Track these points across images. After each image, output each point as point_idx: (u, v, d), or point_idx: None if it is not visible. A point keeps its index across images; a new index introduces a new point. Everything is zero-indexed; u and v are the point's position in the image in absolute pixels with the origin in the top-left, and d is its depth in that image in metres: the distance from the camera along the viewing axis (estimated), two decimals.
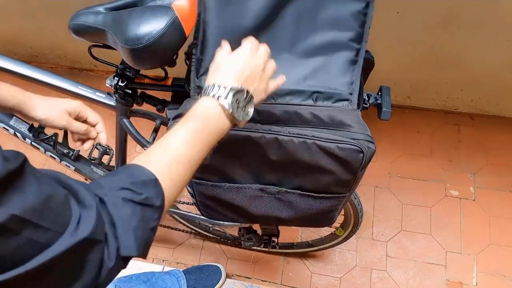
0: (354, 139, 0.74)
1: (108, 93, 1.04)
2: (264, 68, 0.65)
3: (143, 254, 0.49)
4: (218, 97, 0.59)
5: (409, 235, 1.58)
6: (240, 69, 0.62)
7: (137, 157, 0.55)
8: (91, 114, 0.85)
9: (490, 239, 1.55)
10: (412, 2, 1.27)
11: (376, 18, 1.35)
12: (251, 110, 0.63)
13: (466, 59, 1.48)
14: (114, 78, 0.97)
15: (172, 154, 0.55)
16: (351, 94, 0.79)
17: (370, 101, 0.85)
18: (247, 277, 1.55)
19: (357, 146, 0.72)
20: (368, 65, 0.87)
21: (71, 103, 0.84)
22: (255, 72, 0.64)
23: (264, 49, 0.67)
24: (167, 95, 1.01)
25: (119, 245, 0.46)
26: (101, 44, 0.91)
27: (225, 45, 0.68)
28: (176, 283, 1.39)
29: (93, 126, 0.87)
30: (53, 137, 1.17)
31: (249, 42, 0.66)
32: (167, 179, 0.52)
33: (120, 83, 0.97)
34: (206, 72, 0.79)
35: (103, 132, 0.92)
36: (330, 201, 0.84)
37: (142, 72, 0.97)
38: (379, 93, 0.86)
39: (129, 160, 1.24)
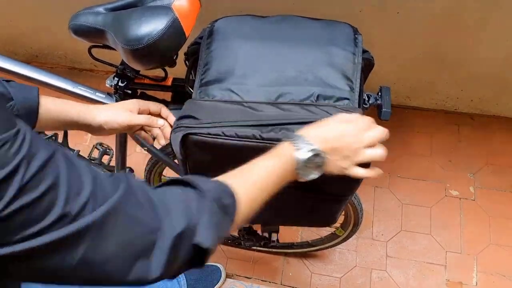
0: None
1: (108, 94, 1.04)
2: (358, 150, 0.64)
3: (211, 249, 0.50)
4: (298, 149, 0.61)
5: (409, 235, 1.58)
6: (334, 136, 0.63)
7: (224, 176, 0.58)
8: (151, 104, 0.84)
9: (490, 239, 1.55)
10: (412, 2, 1.27)
11: (376, 18, 1.36)
12: (314, 175, 0.63)
13: (466, 59, 1.48)
14: (114, 78, 0.97)
15: (253, 179, 0.59)
16: (352, 93, 0.79)
17: (370, 101, 0.85)
18: (247, 277, 1.55)
19: None
20: (368, 65, 0.87)
21: (129, 101, 0.83)
22: (345, 149, 0.63)
23: (375, 133, 0.66)
24: (167, 96, 1.01)
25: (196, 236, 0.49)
26: (101, 45, 0.91)
27: (343, 115, 0.68)
28: (176, 283, 1.39)
29: (157, 115, 0.85)
30: (53, 137, 1.17)
31: (365, 120, 0.66)
32: (245, 198, 0.56)
33: (120, 84, 0.97)
34: (212, 81, 0.81)
35: (170, 114, 0.88)
36: (332, 202, 0.84)
37: (142, 72, 0.97)
38: (379, 93, 0.86)
39: (129, 160, 1.25)
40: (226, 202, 0.53)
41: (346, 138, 0.64)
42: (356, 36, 0.85)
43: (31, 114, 0.72)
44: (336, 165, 0.64)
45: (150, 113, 0.85)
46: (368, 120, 0.67)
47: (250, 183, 0.58)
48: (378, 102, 0.85)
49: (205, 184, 0.53)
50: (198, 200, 0.51)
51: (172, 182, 0.55)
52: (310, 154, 0.61)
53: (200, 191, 0.52)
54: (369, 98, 0.85)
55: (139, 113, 0.84)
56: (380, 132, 0.66)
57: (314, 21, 0.88)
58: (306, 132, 0.64)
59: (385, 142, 0.68)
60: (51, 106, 0.75)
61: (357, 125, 0.65)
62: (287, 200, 0.84)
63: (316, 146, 0.62)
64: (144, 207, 0.47)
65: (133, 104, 0.83)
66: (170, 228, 0.47)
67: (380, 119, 0.84)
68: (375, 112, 0.86)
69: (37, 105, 0.73)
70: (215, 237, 0.50)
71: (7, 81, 0.72)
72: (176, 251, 0.47)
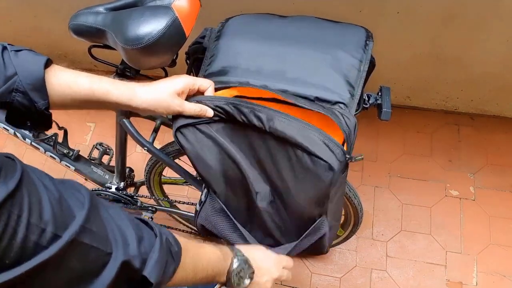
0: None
1: None
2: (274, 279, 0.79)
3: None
4: (235, 256, 0.72)
5: (409, 235, 1.58)
6: (263, 264, 0.77)
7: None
8: (201, 81, 0.73)
9: (490, 239, 1.55)
10: (412, 2, 1.27)
11: (376, 18, 1.36)
12: (243, 284, 0.73)
13: (466, 59, 1.48)
14: (114, 78, 0.97)
15: (198, 255, 0.64)
16: (351, 99, 0.78)
17: (370, 101, 0.85)
18: None
19: (327, 163, 0.72)
20: (369, 66, 0.87)
21: (177, 81, 0.71)
22: (266, 275, 0.78)
23: (287, 272, 0.83)
24: None
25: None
26: (101, 44, 0.91)
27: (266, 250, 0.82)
28: None
29: (204, 91, 0.75)
30: (53, 137, 1.17)
31: (287, 260, 0.84)
32: (187, 262, 0.59)
33: None
34: (216, 73, 0.82)
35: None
36: (314, 235, 0.87)
37: (142, 72, 0.97)
38: (379, 93, 0.85)
39: (129, 160, 1.25)
40: (174, 249, 0.56)
41: (269, 267, 0.79)
42: (367, 42, 0.84)
43: (40, 91, 0.63)
44: (258, 283, 0.77)
45: (198, 90, 0.75)
46: (287, 259, 0.84)
47: (196, 251, 0.63)
48: (378, 102, 0.85)
49: (159, 227, 0.56)
50: (151, 236, 0.53)
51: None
52: (243, 264, 0.72)
53: (154, 230, 0.54)
54: (369, 98, 0.85)
55: (188, 94, 0.74)
56: (288, 273, 0.84)
57: (329, 23, 0.87)
58: (251, 255, 0.76)
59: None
60: (64, 81, 0.66)
61: (279, 260, 0.82)
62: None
63: (250, 263, 0.74)
64: (101, 232, 0.46)
65: (182, 84, 0.71)
66: (121, 254, 0.47)
67: (380, 119, 0.84)
68: (375, 112, 0.86)
69: (42, 80, 0.63)
70: (161, 275, 0.51)
71: (18, 50, 0.63)
72: (121, 277, 0.47)
